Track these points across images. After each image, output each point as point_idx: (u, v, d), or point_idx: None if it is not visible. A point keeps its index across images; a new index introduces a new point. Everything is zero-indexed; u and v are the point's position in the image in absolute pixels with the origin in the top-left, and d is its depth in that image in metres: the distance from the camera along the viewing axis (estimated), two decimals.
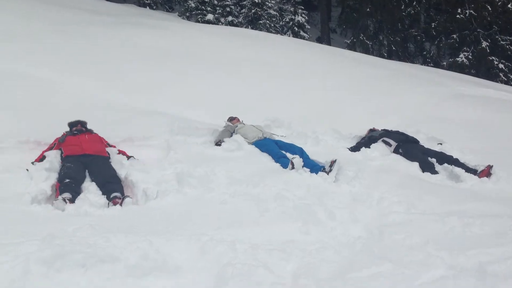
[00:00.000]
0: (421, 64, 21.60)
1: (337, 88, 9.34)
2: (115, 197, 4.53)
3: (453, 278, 3.27)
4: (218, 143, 6.17)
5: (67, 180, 4.56)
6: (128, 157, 5.38)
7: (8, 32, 9.16)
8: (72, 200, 4.33)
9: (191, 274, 3.34)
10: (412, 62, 22.97)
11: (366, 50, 22.85)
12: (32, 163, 4.90)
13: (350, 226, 4.24)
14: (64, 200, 4.19)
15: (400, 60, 21.95)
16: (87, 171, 4.95)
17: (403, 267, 3.45)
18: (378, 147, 6.24)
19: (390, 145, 6.29)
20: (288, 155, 5.88)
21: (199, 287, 3.22)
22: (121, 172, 5.02)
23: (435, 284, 3.21)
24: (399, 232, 4.06)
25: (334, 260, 3.60)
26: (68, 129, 5.59)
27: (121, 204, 4.40)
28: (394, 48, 24.09)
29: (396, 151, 6.24)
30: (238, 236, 3.87)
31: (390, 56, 23.15)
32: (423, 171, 5.74)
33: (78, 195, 4.49)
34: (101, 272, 3.20)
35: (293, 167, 5.43)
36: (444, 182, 5.55)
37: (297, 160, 5.51)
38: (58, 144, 5.21)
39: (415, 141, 6.48)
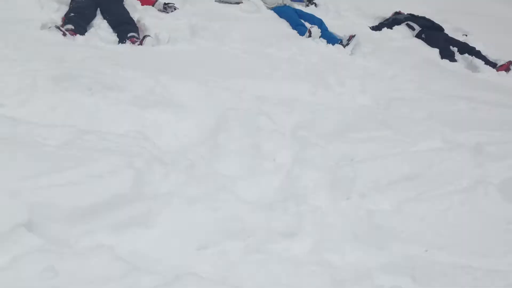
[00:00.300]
0: None
1: None
2: (133, 36, 4.43)
3: (448, 150, 3.30)
4: (236, 3, 5.96)
5: (72, 14, 4.43)
6: (154, 1, 5.24)
7: None
8: (80, 32, 4.25)
9: (194, 112, 3.38)
10: None
11: None
12: None
13: (359, 95, 4.21)
14: (58, 28, 4.11)
15: None
16: (99, 9, 4.82)
17: (402, 135, 3.47)
18: (401, 30, 6.02)
19: (413, 29, 6.04)
20: (307, 24, 5.70)
21: (201, 124, 3.28)
22: (134, 15, 4.89)
23: (429, 153, 3.24)
24: (406, 106, 4.06)
25: (336, 120, 3.61)
26: None
27: (141, 43, 4.34)
28: None
29: (418, 35, 6.00)
30: (246, 87, 3.87)
31: None
32: (441, 58, 5.58)
33: (85, 30, 4.39)
34: (106, 98, 3.23)
35: (309, 36, 5.29)
36: (461, 70, 5.42)
37: (315, 29, 5.34)
38: None
39: (440, 29, 6.23)
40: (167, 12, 5.20)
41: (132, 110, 3.22)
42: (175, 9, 5.23)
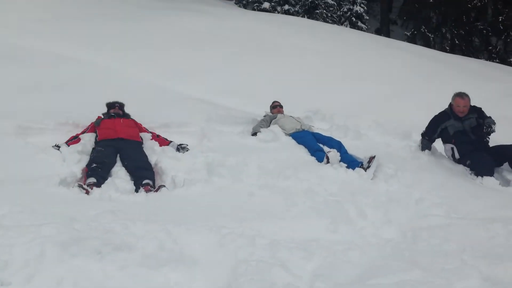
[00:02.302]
0: (486, 60, 20.43)
1: (386, 80, 8.94)
2: (148, 184, 4.50)
3: None
4: (254, 134, 6.03)
5: (94, 165, 4.58)
6: (169, 142, 5.35)
7: (58, 16, 9.41)
8: (97, 185, 4.33)
9: (206, 267, 3.23)
10: (477, 57, 21.78)
11: (427, 43, 21.87)
12: (66, 143, 4.96)
13: (382, 227, 3.98)
14: (81, 187, 4.19)
15: (463, 54, 20.86)
16: (118, 155, 4.95)
17: (433, 275, 3.17)
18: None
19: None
20: (326, 148, 5.65)
21: (212, 282, 3.11)
22: (152, 159, 4.99)
23: None
24: (435, 237, 3.77)
25: (359, 263, 3.38)
26: (105, 110, 5.63)
27: (156, 192, 4.37)
28: (457, 42, 22.89)
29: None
30: (261, 231, 3.72)
31: (452, 51, 22.00)
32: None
33: (105, 180, 4.49)
34: (115, 261, 3.14)
35: (328, 162, 5.20)
36: (494, 186, 5.13)
37: (333, 154, 5.27)
38: (93, 127, 5.25)
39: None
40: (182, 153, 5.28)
41: (141, 272, 3.09)
42: (187, 150, 5.28)
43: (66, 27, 8.92)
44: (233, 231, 3.65)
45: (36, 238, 3.28)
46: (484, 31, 22.84)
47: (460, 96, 5.82)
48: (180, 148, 5.27)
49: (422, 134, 6.06)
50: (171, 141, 5.40)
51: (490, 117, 5.73)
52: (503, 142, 6.12)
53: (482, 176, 5.24)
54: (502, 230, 3.90)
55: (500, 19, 21.55)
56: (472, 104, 5.86)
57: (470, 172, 5.48)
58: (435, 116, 6.02)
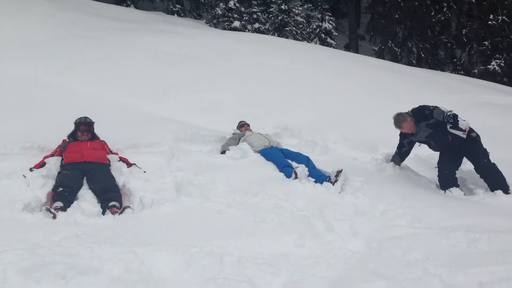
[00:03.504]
0: (452, 72, 21.00)
1: (354, 94, 9.12)
2: (114, 206, 4.48)
3: None
4: (223, 152, 6.07)
5: (61, 189, 4.54)
6: (130, 165, 5.32)
7: (27, 38, 9.34)
8: (63, 209, 4.29)
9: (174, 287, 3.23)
10: (442, 70, 22.40)
11: (395, 58, 22.40)
12: (31, 169, 4.91)
13: (349, 239, 4.03)
14: (48, 210, 4.14)
15: (429, 67, 21.42)
16: (85, 178, 4.92)
17: (396, 285, 3.24)
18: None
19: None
20: (294, 164, 5.72)
21: None
22: (120, 180, 4.97)
23: None
24: (399, 247, 3.85)
25: (325, 276, 3.42)
26: (70, 131, 5.54)
27: (121, 213, 4.35)
28: (423, 55, 23.51)
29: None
30: (229, 248, 3.74)
31: (419, 64, 22.59)
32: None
33: (71, 203, 4.45)
34: (80, 285, 3.11)
35: (296, 177, 5.27)
36: (456, 194, 5.27)
37: (301, 169, 5.35)
38: (59, 151, 5.21)
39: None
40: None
41: None
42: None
43: (30, 49, 8.83)
44: (201, 250, 3.66)
45: None
46: (449, 44, 23.54)
47: (397, 125, 5.74)
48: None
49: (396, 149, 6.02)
50: (132, 164, 5.37)
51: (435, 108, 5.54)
52: None
53: (445, 190, 5.37)
54: (463, 238, 4.01)
55: (463, 32, 22.24)
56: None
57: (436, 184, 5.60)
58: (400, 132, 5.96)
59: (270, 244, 3.86)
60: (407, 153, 5.96)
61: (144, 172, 5.19)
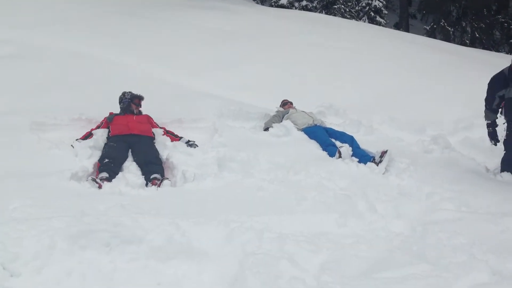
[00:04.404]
0: (507, 53, 20.06)
1: (401, 74, 8.84)
2: (155, 178, 4.55)
3: (495, 284, 2.95)
4: (266, 129, 6.04)
5: (106, 160, 4.64)
6: (179, 138, 5.40)
7: (74, 15, 9.54)
8: (109, 179, 4.39)
9: (214, 260, 3.25)
10: (497, 51, 21.42)
11: (447, 37, 21.56)
12: (77, 140, 5.03)
13: (392, 221, 3.95)
14: (94, 180, 4.24)
15: (484, 48, 20.52)
16: (130, 150, 5.01)
17: (440, 269, 3.15)
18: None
19: None
20: (338, 143, 5.63)
21: (220, 274, 3.13)
22: (163, 153, 5.03)
23: None
24: (444, 231, 3.73)
25: (366, 256, 3.36)
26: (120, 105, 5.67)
27: (159, 186, 4.41)
28: (478, 35, 22.53)
29: None
30: (269, 224, 3.73)
31: (473, 44, 21.65)
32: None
33: (116, 174, 4.55)
34: (124, 253, 3.18)
35: (340, 156, 5.19)
36: (509, 180, 5.05)
37: (345, 149, 5.26)
38: (106, 123, 5.32)
39: None
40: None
41: (150, 265, 3.13)
42: (196, 146, 5.32)
43: (79, 26, 9.04)
44: (241, 225, 3.66)
45: (46, 230, 3.33)
46: (505, 24, 22.41)
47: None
48: (188, 145, 5.32)
49: (485, 104, 5.45)
50: (180, 137, 5.44)
51: None
52: None
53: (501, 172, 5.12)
54: None
55: None
56: None
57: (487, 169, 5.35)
58: (490, 82, 5.38)
59: (311, 222, 3.83)
60: (498, 108, 5.34)
61: (195, 143, 5.32)
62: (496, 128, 5.42)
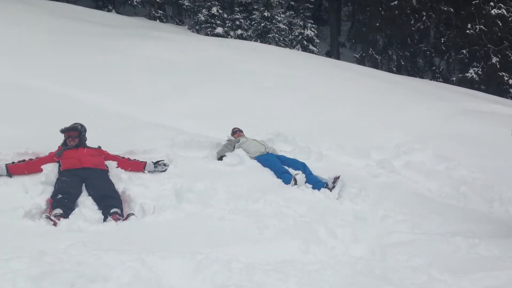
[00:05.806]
0: (430, 80, 21.45)
1: (342, 101, 9.22)
2: (115, 212, 4.43)
3: None
4: (219, 158, 6.07)
5: (60, 196, 4.46)
6: (144, 163, 5.40)
7: (12, 44, 9.19)
8: (65, 216, 4.23)
9: None
10: (421, 77, 22.85)
11: (375, 65, 22.79)
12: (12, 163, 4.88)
13: (352, 246, 4.10)
14: (48, 218, 4.09)
15: (409, 75, 21.82)
16: (84, 185, 4.86)
17: None
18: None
19: None
20: (291, 170, 5.76)
21: None
22: (119, 187, 4.93)
23: None
24: (402, 253, 3.93)
25: (333, 282, 3.45)
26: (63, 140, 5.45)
27: (124, 220, 4.30)
28: (403, 63, 24.01)
29: None
30: (235, 255, 3.74)
31: (399, 71, 23.02)
32: None
33: (72, 210, 4.39)
34: None
35: (295, 183, 5.31)
36: (450, 201, 5.38)
37: (300, 176, 5.39)
38: (52, 157, 5.11)
39: None
40: (160, 171, 5.38)
41: None
42: (165, 165, 5.29)
43: (18, 56, 8.70)
44: (208, 256, 3.65)
45: (6, 273, 3.17)
46: (428, 52, 24.03)
47: None
48: (158, 165, 5.23)
49: None
50: (145, 162, 5.37)
51: None
52: (453, 159, 6.43)
53: None
54: (463, 243, 4.11)
55: (442, 41, 22.77)
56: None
57: None
58: None
59: (276, 251, 3.88)
60: None
61: (163, 162, 5.41)
62: None
